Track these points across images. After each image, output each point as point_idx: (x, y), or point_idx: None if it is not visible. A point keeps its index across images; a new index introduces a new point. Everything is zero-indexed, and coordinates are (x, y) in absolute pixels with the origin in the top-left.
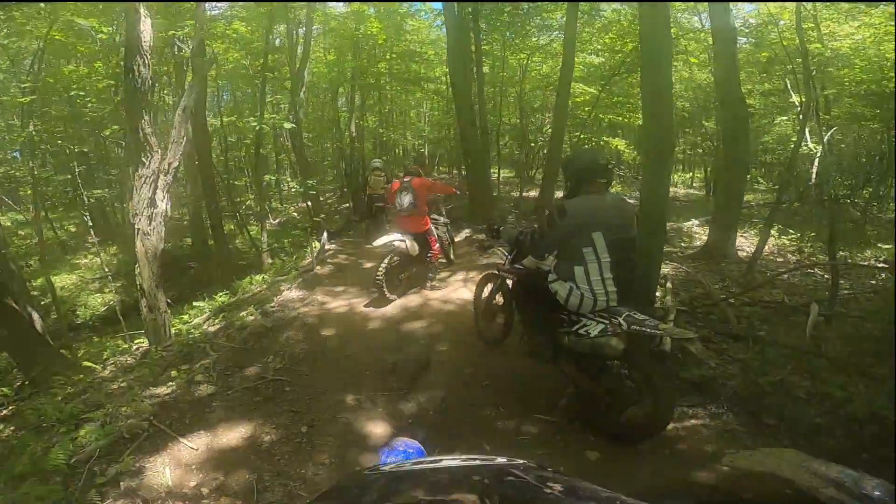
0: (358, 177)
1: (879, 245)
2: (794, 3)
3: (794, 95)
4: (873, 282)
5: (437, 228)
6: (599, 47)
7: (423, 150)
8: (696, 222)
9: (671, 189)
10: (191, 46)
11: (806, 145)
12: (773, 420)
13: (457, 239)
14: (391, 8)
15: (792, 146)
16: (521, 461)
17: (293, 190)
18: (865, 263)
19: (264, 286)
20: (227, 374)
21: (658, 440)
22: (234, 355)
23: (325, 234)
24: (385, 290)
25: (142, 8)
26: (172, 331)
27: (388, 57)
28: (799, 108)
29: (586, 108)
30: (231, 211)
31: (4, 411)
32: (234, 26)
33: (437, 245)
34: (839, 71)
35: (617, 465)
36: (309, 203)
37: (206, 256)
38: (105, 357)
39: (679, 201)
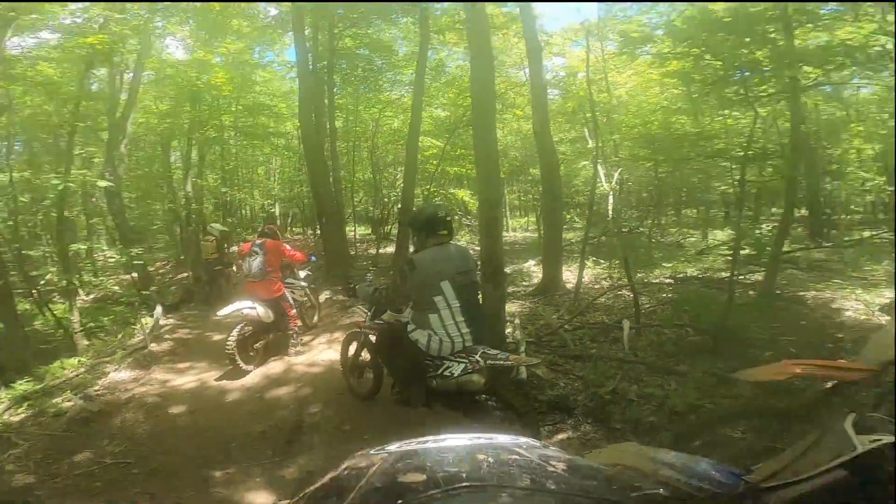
0: (197, 242)
1: (664, 265)
2: (588, 57)
3: (590, 141)
4: (664, 295)
5: (293, 293)
6: (445, 102)
7: (272, 210)
8: (533, 262)
9: (511, 234)
10: None
11: (601, 185)
12: (618, 424)
13: (321, 300)
14: (240, 58)
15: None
16: (524, 439)
17: (111, 260)
18: (656, 281)
19: (82, 370)
20: (48, 462)
21: None
22: (54, 443)
23: (158, 308)
24: (238, 361)
25: None
26: None
27: (233, 109)
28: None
29: (433, 161)
30: (25, 288)
31: None
32: (39, 68)
33: (294, 311)
34: (620, 117)
35: None
36: (135, 274)
37: None
38: None
39: (518, 244)
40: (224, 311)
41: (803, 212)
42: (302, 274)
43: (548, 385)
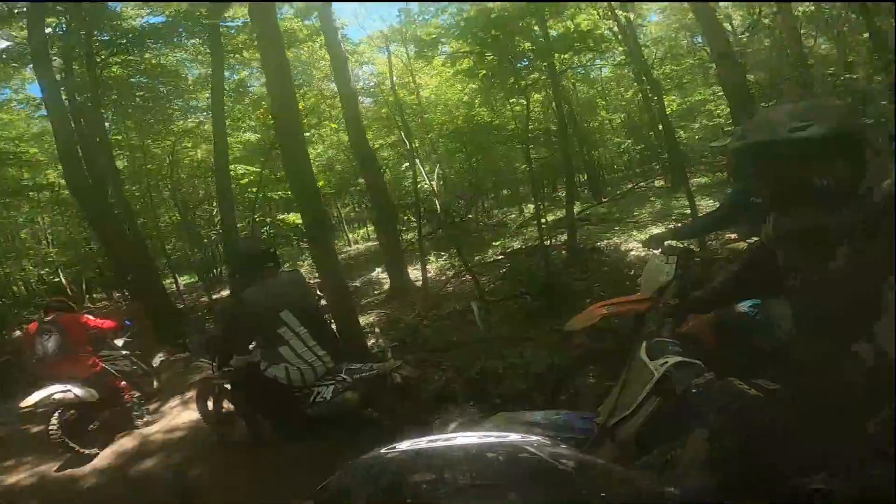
0: None
1: (494, 244)
2: (391, 63)
3: (407, 143)
4: (501, 271)
5: (116, 363)
6: (254, 123)
7: (56, 280)
8: (380, 269)
9: (354, 246)
10: None
11: (424, 183)
12: (496, 399)
13: (155, 364)
14: None
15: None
16: (534, 437)
17: None
18: (491, 260)
19: None
20: None
21: None
22: None
23: None
24: (73, 446)
25: None
26: None
27: None
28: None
29: (252, 189)
30: None
31: None
32: None
33: (123, 382)
34: (431, 116)
35: None
36: None
37: None
38: None
39: (362, 255)
40: (31, 400)
41: (585, 177)
42: (119, 342)
43: (424, 381)
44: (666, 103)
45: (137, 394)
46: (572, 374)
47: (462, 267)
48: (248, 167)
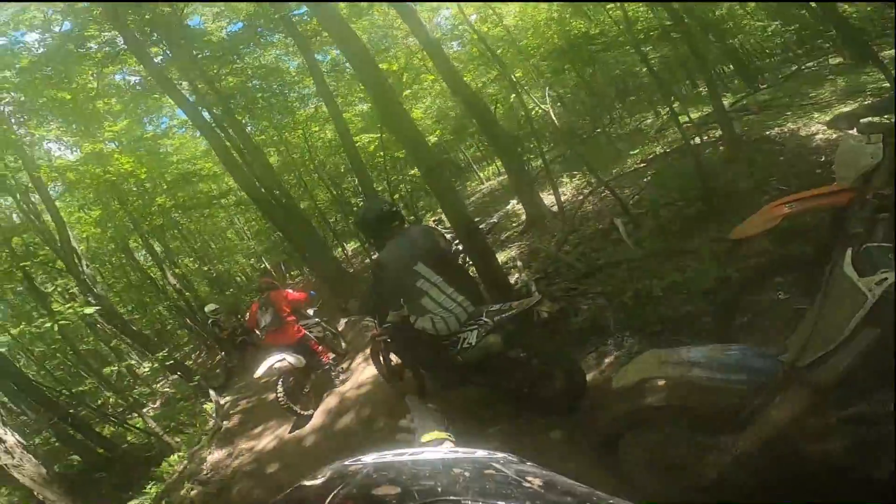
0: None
1: (631, 153)
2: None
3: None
4: (644, 180)
5: (311, 330)
6: (362, 95)
7: (263, 265)
8: (515, 201)
9: (486, 183)
10: None
11: (536, 108)
12: (656, 326)
13: (340, 328)
14: (134, 135)
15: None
16: (500, 454)
17: (146, 371)
18: (630, 170)
19: (185, 462)
20: None
21: (597, 391)
22: None
23: (212, 392)
24: (297, 409)
25: None
26: None
27: (162, 188)
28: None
29: (379, 154)
30: (97, 415)
31: None
32: None
33: (320, 347)
34: (525, 41)
35: (575, 434)
36: (178, 373)
37: (109, 463)
38: None
39: (496, 190)
40: (259, 372)
41: (730, 67)
42: (311, 312)
43: (572, 312)
44: None
45: (332, 355)
46: (751, 290)
47: (597, 183)
48: (371, 135)
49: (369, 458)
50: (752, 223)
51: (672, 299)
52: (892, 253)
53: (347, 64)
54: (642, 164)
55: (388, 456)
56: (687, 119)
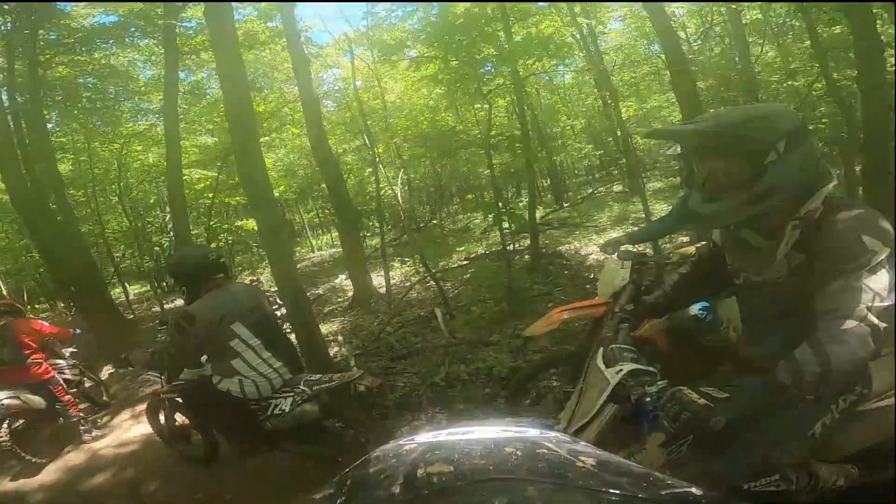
0: None
1: (458, 249)
2: (353, 66)
3: (370, 148)
4: (465, 276)
5: (63, 372)
6: (211, 127)
7: None
8: (344, 276)
9: (318, 253)
10: None
11: (387, 188)
12: (461, 404)
13: (103, 377)
14: None
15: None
16: (553, 433)
17: None
18: (455, 266)
19: None
20: None
21: None
22: None
23: None
24: (24, 455)
25: None
26: None
27: None
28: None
29: (208, 195)
30: None
31: None
32: None
33: (68, 396)
34: (396, 121)
35: None
36: None
37: None
38: None
39: (326, 262)
40: None
41: (548, 182)
42: (67, 352)
43: (389, 389)
44: (623, 109)
45: (85, 405)
46: (535, 378)
47: (425, 273)
48: (204, 172)
49: (423, 438)
50: (539, 324)
51: (476, 382)
52: (628, 352)
53: (210, 91)
54: (465, 261)
55: (442, 435)
56: (507, 226)
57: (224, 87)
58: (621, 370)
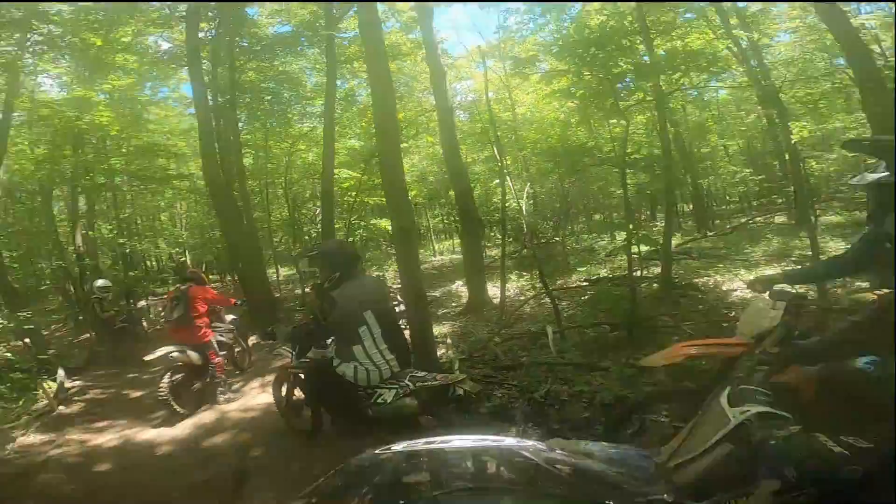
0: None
1: (579, 269)
2: (486, 77)
3: (499, 160)
4: (582, 297)
5: (221, 336)
6: (358, 131)
7: (182, 259)
8: (461, 283)
9: (438, 257)
10: None
11: (512, 201)
12: (556, 424)
13: (249, 344)
14: (130, 94)
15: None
16: (530, 442)
17: None
18: (574, 285)
19: None
20: None
21: None
22: None
23: (60, 372)
24: (173, 404)
25: None
26: None
27: (124, 151)
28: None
29: (352, 193)
30: None
31: None
32: None
33: (219, 359)
34: (525, 134)
35: None
36: (27, 339)
37: None
38: None
39: (446, 266)
40: (152, 356)
41: (690, 207)
42: (228, 318)
43: (486, 397)
44: (795, 130)
45: (228, 370)
46: (641, 410)
47: (542, 289)
48: (350, 172)
49: (399, 447)
50: (659, 356)
51: (575, 405)
52: (761, 395)
53: (359, 98)
54: (585, 283)
55: (419, 444)
56: (637, 250)
57: (373, 93)
58: (748, 411)
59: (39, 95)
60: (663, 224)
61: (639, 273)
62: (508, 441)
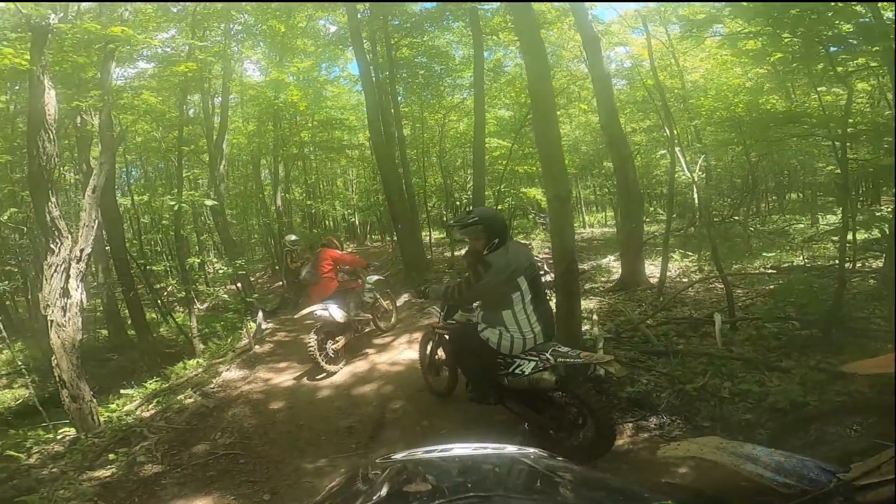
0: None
1: (764, 254)
2: (650, 43)
3: (666, 130)
4: (765, 287)
5: (363, 295)
6: (507, 101)
7: (353, 220)
8: (612, 258)
9: (588, 230)
10: (97, 118)
11: (683, 174)
12: (707, 422)
13: (398, 303)
14: (310, 75)
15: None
16: (531, 450)
17: (220, 272)
18: (755, 272)
19: (199, 370)
20: (172, 453)
21: (617, 455)
22: (177, 435)
23: (260, 314)
24: (320, 360)
25: (45, 79)
26: (101, 418)
27: (309, 125)
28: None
29: (502, 162)
30: (151, 298)
31: None
32: (144, 97)
33: (362, 316)
34: (698, 101)
35: None
36: (239, 284)
37: (126, 347)
38: (27, 447)
39: (596, 240)
40: (301, 313)
41: None
42: (372, 279)
43: (628, 382)
44: None
45: (372, 327)
46: (821, 420)
47: (712, 272)
48: (500, 141)
49: (400, 456)
50: (869, 363)
51: (737, 404)
52: None
53: (507, 68)
54: (771, 270)
55: (419, 453)
56: (851, 237)
57: (527, 64)
58: None
59: (246, 79)
60: (892, 209)
61: (850, 265)
62: (509, 449)
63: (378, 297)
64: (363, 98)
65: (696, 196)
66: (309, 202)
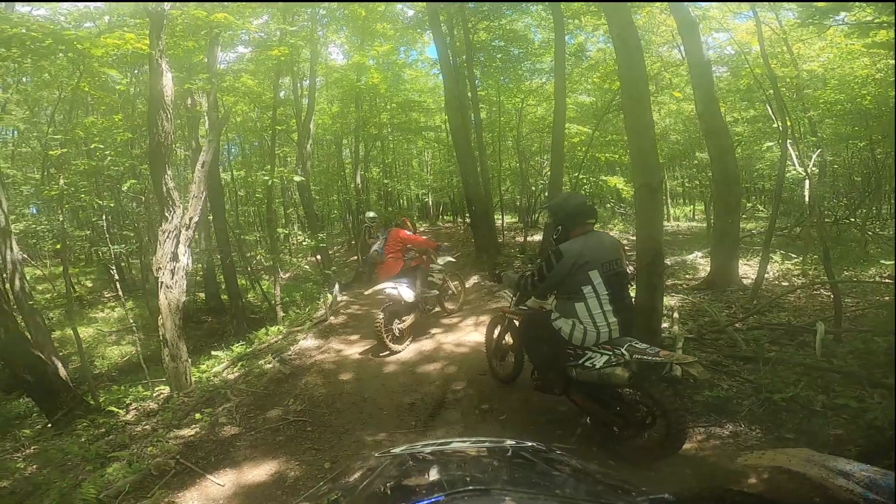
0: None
1: (882, 262)
2: (760, 29)
3: (776, 121)
4: (881, 298)
5: (432, 276)
6: (589, 87)
7: (426, 200)
8: (700, 254)
9: (673, 223)
10: (205, 100)
11: (794, 168)
12: (791, 434)
13: (467, 285)
14: (390, 59)
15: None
16: (529, 443)
17: (304, 244)
18: (870, 280)
19: (279, 337)
20: (249, 416)
21: (681, 459)
22: (255, 399)
23: (336, 286)
24: (384, 338)
25: (163, 62)
26: (193, 378)
27: (388, 107)
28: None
29: (582, 148)
30: (242, 266)
31: (27, 451)
32: (243, 80)
33: (429, 294)
34: (815, 92)
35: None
36: (319, 256)
37: (220, 310)
38: (127, 403)
39: (682, 234)
40: (371, 290)
41: None
42: (441, 261)
43: (707, 386)
44: None
45: (439, 308)
46: None
47: (818, 277)
48: (580, 127)
49: (399, 450)
50: None
51: (828, 417)
52: None
53: (589, 52)
54: (888, 280)
55: (418, 447)
56: None
57: (617, 48)
58: None
59: (330, 63)
60: None
61: None
62: (508, 443)
63: (447, 278)
64: (440, 81)
65: (807, 193)
66: (385, 181)
